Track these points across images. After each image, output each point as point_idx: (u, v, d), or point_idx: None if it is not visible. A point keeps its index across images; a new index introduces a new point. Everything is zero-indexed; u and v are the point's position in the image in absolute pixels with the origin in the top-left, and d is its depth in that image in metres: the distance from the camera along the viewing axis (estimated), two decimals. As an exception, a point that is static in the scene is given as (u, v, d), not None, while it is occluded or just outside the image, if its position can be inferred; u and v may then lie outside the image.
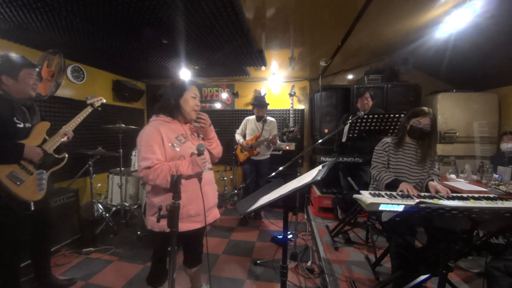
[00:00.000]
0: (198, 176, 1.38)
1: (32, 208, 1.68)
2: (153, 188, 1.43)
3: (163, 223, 1.32)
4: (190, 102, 1.48)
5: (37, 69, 1.80)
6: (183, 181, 1.32)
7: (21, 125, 1.66)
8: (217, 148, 1.66)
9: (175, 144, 1.39)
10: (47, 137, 1.81)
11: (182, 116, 1.50)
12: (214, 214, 1.58)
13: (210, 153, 1.63)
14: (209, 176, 1.54)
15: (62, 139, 1.87)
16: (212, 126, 1.61)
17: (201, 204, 1.39)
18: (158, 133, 1.35)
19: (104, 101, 2.20)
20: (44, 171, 1.77)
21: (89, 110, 2.08)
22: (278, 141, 3.38)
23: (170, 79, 4.50)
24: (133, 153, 3.20)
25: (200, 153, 1.36)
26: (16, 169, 1.61)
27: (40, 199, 1.72)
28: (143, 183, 3.47)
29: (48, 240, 2.01)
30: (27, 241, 1.87)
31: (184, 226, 1.38)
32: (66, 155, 1.93)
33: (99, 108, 2.16)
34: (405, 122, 1.92)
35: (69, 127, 1.93)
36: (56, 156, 1.86)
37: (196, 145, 1.43)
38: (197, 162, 1.35)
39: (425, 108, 1.84)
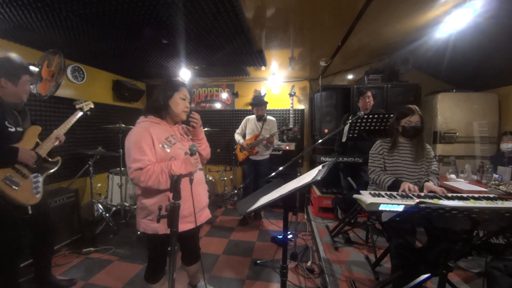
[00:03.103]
0: (190, 175, 1.37)
1: (30, 212, 1.66)
2: (144, 190, 1.41)
3: (156, 225, 1.35)
4: (180, 104, 1.47)
5: (35, 70, 1.78)
6: None
7: (13, 129, 1.64)
8: (206, 149, 1.66)
9: (165, 146, 1.39)
10: (39, 141, 1.79)
11: (170, 117, 1.49)
12: (206, 214, 1.60)
13: (199, 154, 1.61)
14: (200, 176, 1.55)
15: (55, 143, 1.85)
16: (202, 127, 1.62)
17: (194, 203, 1.40)
18: (148, 134, 1.34)
19: (92, 106, 2.18)
20: (39, 175, 1.76)
21: (78, 114, 2.06)
22: (278, 141, 3.38)
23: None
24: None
25: (193, 153, 1.38)
26: (12, 173, 1.59)
27: (37, 202, 1.70)
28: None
29: (49, 242, 2.00)
30: (28, 242, 1.86)
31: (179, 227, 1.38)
32: (60, 159, 1.92)
33: (88, 113, 2.14)
34: (395, 124, 1.95)
35: (61, 131, 1.90)
36: (50, 159, 1.85)
37: (186, 146, 1.46)
38: (191, 162, 1.37)
39: (411, 106, 1.87)
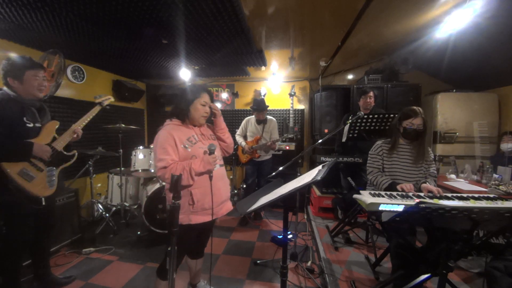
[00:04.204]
0: (209, 173, 1.48)
1: (43, 203, 1.75)
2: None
3: (182, 216, 1.46)
4: (200, 109, 1.58)
5: (43, 70, 1.81)
6: (196, 178, 1.46)
7: (31, 125, 1.73)
8: (229, 137, 1.79)
9: (186, 146, 1.51)
10: (56, 135, 1.86)
11: (191, 121, 1.61)
12: (227, 207, 1.69)
13: (224, 142, 1.75)
14: (220, 172, 1.64)
15: (72, 137, 1.92)
16: (222, 117, 1.74)
17: (214, 198, 1.51)
18: (170, 136, 1.48)
19: (113, 100, 2.22)
20: (54, 168, 1.84)
21: (97, 109, 2.11)
22: (279, 142, 3.38)
23: (170, 79, 4.51)
24: (133, 153, 3.20)
25: (211, 152, 1.48)
26: (27, 167, 1.68)
27: (51, 194, 1.79)
28: (142, 183, 3.48)
29: (49, 239, 2.05)
30: (29, 239, 1.89)
31: (199, 218, 1.51)
32: (76, 153, 1.99)
33: (108, 107, 2.20)
34: (397, 125, 1.93)
35: (79, 126, 1.97)
36: (66, 153, 1.91)
37: (206, 145, 1.55)
38: (209, 160, 1.46)
39: (415, 108, 1.85)
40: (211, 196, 1.49)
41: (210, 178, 1.48)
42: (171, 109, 1.65)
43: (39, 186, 1.72)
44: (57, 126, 1.88)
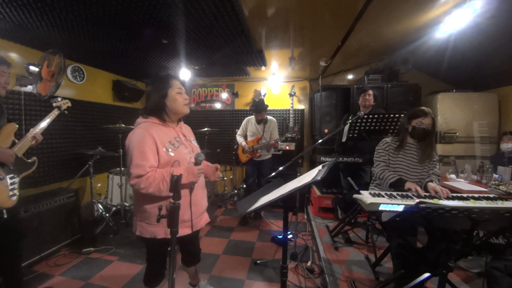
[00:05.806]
0: (191, 186, 1.31)
1: (5, 216, 1.54)
2: (143, 194, 1.32)
3: (154, 228, 1.32)
4: (178, 99, 1.38)
5: (7, 67, 1.64)
6: None
7: None
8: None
9: (169, 149, 1.32)
10: (15, 139, 1.68)
11: (172, 116, 1.41)
12: (205, 219, 1.56)
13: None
14: (201, 180, 1.49)
15: (31, 143, 1.75)
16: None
17: (195, 208, 1.38)
18: (150, 137, 1.26)
19: (70, 104, 2.09)
20: (16, 176, 1.64)
21: (56, 113, 1.96)
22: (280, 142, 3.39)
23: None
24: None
25: (197, 163, 1.29)
26: None
27: (12, 206, 1.58)
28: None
29: (15, 253, 1.77)
30: None
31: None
32: (36, 160, 1.80)
33: (66, 112, 2.06)
34: (406, 123, 1.93)
35: (37, 130, 1.80)
36: (26, 160, 1.73)
37: (189, 148, 1.43)
38: (193, 172, 1.27)
39: (425, 108, 1.86)
40: (190, 209, 1.33)
41: (191, 190, 1.30)
42: (145, 107, 1.41)
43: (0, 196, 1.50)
44: (15, 130, 1.68)
